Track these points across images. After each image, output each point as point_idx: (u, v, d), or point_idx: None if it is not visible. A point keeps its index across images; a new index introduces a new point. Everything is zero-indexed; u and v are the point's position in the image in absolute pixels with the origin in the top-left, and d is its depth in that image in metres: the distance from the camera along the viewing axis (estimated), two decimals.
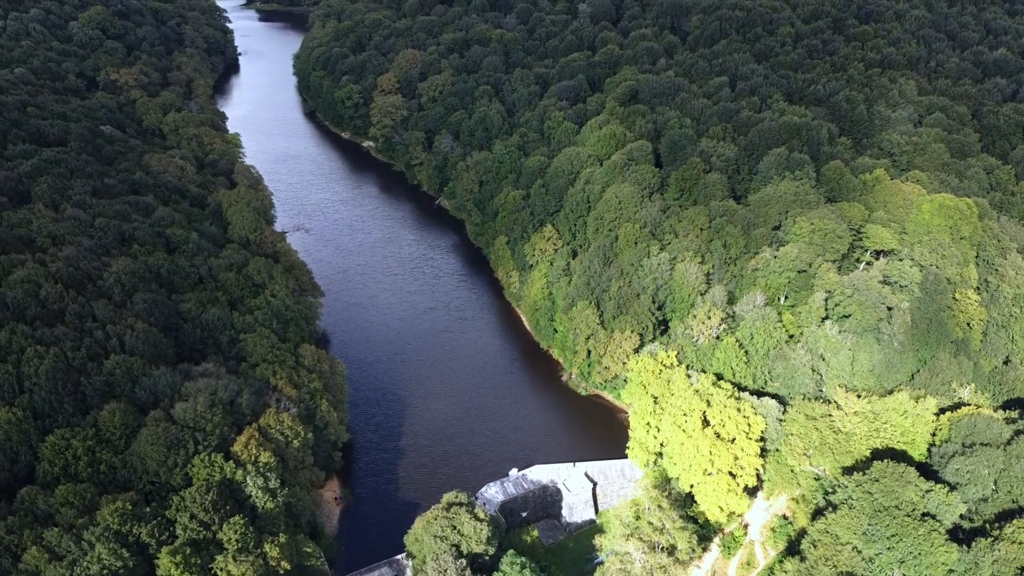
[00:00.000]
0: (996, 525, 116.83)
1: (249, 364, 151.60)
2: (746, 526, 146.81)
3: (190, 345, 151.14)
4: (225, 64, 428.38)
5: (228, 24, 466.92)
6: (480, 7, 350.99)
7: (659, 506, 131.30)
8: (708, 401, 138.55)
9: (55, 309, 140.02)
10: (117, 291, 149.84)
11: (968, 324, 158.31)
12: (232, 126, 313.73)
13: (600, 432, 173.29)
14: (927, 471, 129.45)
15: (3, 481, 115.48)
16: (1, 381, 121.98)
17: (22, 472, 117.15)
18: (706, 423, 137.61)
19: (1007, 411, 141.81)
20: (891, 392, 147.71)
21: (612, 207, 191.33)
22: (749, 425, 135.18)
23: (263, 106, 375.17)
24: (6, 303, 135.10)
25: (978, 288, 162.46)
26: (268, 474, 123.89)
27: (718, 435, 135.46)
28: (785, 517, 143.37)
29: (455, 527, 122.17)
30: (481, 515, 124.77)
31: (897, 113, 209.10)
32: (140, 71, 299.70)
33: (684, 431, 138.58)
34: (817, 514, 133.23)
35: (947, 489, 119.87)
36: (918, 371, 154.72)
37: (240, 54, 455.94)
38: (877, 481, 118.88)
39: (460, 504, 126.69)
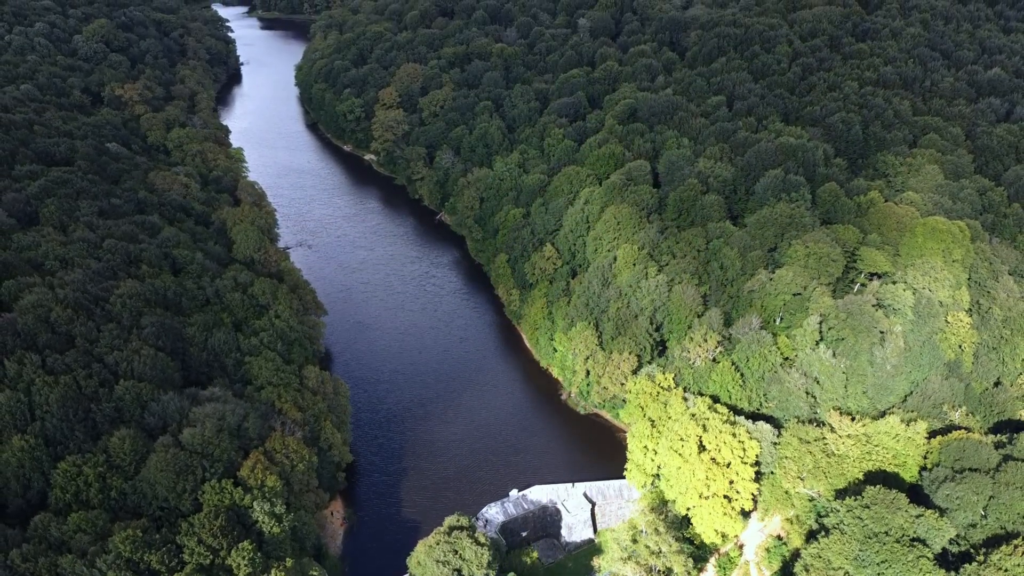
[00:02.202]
0: (983, 551, 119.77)
1: (255, 387, 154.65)
2: (741, 546, 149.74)
3: (196, 368, 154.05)
4: (228, 74, 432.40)
5: (230, 34, 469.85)
6: (481, 20, 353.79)
7: (656, 529, 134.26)
8: (704, 426, 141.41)
9: (64, 333, 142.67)
10: (125, 315, 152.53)
11: (960, 346, 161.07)
12: (235, 139, 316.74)
13: (599, 451, 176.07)
14: (919, 494, 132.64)
15: (16, 508, 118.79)
16: (13, 409, 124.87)
17: (35, 499, 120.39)
18: (702, 448, 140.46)
19: (997, 434, 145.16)
20: (884, 414, 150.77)
21: (611, 227, 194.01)
22: (744, 450, 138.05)
23: (266, 118, 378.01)
24: (17, 330, 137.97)
25: (970, 310, 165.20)
26: (274, 499, 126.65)
27: (714, 460, 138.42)
28: (779, 538, 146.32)
29: (457, 551, 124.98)
30: (482, 539, 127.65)
31: (892, 134, 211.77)
32: (144, 86, 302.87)
33: (681, 455, 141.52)
34: (811, 536, 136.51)
35: (937, 514, 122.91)
36: (911, 393, 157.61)
37: (242, 64, 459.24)
38: (868, 507, 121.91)
39: (461, 528, 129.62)
